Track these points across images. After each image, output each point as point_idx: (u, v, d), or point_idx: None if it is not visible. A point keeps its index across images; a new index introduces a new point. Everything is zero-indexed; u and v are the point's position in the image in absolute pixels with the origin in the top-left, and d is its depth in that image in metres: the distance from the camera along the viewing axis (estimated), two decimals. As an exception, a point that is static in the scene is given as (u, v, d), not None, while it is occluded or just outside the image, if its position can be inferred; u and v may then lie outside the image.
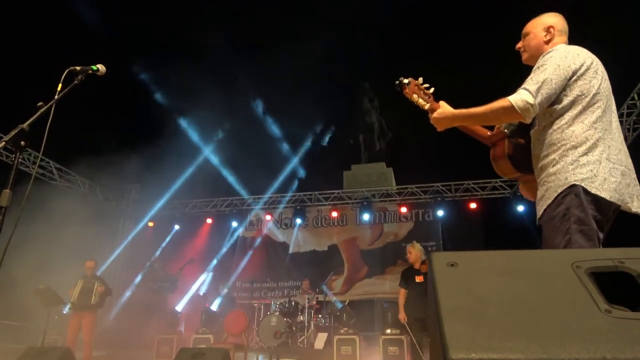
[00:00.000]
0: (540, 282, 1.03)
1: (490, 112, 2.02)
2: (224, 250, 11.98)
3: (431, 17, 15.49)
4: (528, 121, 2.02)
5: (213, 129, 13.53)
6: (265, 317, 8.13)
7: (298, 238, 11.67)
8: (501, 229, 10.96)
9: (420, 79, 2.25)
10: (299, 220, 11.64)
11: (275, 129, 15.86)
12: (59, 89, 2.31)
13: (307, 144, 16.20)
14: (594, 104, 1.98)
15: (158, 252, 11.83)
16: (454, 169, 12.04)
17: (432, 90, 2.25)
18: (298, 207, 11.63)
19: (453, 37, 14.73)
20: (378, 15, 15.42)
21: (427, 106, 2.22)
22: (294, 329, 8.06)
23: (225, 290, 9.40)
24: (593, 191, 1.86)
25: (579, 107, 1.98)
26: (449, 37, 14.97)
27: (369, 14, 15.29)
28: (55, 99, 2.27)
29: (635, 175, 1.99)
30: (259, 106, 15.67)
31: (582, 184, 1.87)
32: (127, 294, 10.41)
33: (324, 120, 16.99)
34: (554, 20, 2.20)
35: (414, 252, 6.23)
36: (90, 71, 2.47)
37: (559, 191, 1.92)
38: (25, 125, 2.10)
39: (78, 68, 2.43)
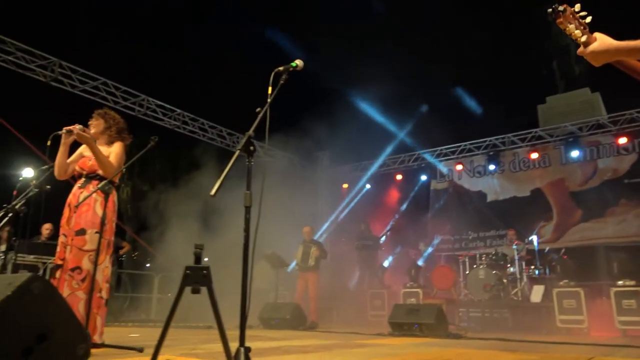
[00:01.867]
0: None
1: None
2: (418, 204, 12.03)
3: None
4: None
5: (391, 88, 13.42)
6: (472, 270, 7.96)
7: (495, 185, 10.98)
8: None
9: (577, 6, 1.92)
10: (492, 167, 10.94)
11: (455, 74, 15.02)
12: (269, 92, 2.53)
13: (492, 83, 14.94)
14: None
15: (346, 212, 12.46)
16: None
17: (588, 19, 1.92)
18: (491, 153, 10.90)
19: None
20: None
21: (583, 38, 1.90)
22: (504, 281, 7.72)
23: (427, 245, 9.49)
24: None
25: None
26: None
27: None
28: (268, 103, 2.49)
29: None
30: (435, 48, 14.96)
31: None
32: (337, 253, 11.33)
33: (507, 54, 15.41)
34: None
35: None
36: (291, 69, 2.63)
37: None
38: (251, 131, 2.35)
39: (281, 68, 2.60)
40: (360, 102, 13.36)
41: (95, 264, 3.31)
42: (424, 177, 12.01)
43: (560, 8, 1.94)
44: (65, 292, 3.36)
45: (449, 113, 14.03)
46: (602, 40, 1.89)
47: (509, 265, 7.98)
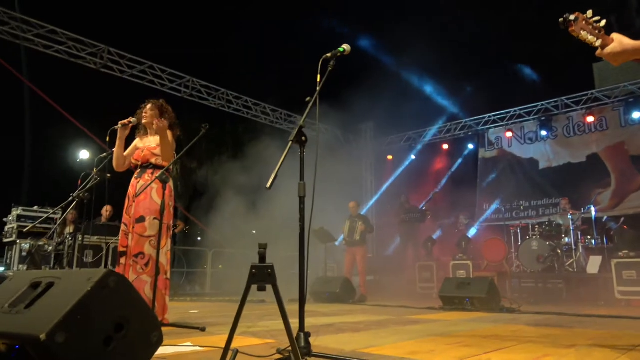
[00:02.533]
0: None
1: None
2: (465, 174, 11.78)
3: None
4: None
5: (435, 54, 12.98)
6: (525, 241, 7.79)
7: (547, 152, 10.55)
8: None
9: (589, 12, 1.97)
10: (544, 133, 10.50)
11: (501, 35, 14.31)
12: (318, 79, 2.52)
13: (542, 42, 14.13)
14: None
15: (391, 184, 12.34)
16: None
17: (603, 23, 1.98)
18: (543, 118, 10.45)
19: None
20: None
21: (597, 42, 1.97)
22: (559, 252, 7.51)
23: (474, 216, 9.33)
24: None
25: None
26: None
27: None
28: (318, 90, 2.48)
29: None
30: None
31: None
32: (382, 225, 11.34)
33: (558, 8, 14.46)
34: None
35: None
36: (339, 54, 2.60)
37: None
38: (301, 122, 2.37)
39: (329, 55, 2.57)
40: (403, 70, 13.06)
41: (158, 248, 3.49)
42: (471, 146, 11.73)
43: (572, 17, 1.99)
44: (131, 277, 3.57)
45: (496, 78, 13.46)
46: (619, 41, 1.93)
47: (563, 236, 7.74)
